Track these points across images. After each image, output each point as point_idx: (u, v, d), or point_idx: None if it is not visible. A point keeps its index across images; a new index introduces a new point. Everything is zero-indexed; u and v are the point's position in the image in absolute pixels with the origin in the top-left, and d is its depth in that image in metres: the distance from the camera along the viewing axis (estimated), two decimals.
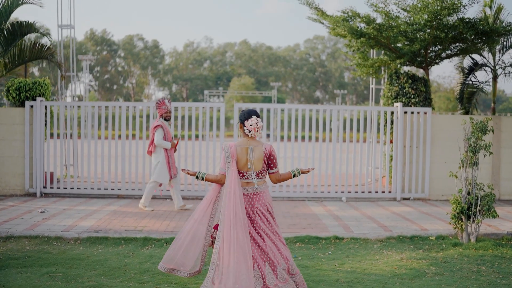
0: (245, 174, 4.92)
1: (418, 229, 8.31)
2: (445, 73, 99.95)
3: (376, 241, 7.76)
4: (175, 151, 9.84)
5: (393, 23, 11.53)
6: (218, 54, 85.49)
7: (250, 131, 4.90)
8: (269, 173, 5.03)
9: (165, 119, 9.73)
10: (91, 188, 11.51)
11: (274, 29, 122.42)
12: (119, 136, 16.94)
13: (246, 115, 4.95)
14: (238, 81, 68.61)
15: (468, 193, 7.62)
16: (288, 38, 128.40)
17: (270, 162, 4.97)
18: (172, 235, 7.82)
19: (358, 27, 11.93)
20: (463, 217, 7.59)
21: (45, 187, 11.42)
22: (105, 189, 11.52)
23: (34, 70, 61.04)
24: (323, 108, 11.68)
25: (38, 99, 11.24)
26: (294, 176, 5.08)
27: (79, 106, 11.79)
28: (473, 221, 7.55)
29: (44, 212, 9.38)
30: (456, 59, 13.99)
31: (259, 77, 79.07)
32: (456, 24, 11.10)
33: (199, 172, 5.04)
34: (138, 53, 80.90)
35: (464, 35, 11.48)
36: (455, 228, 7.74)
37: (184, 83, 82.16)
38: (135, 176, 11.44)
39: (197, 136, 15.44)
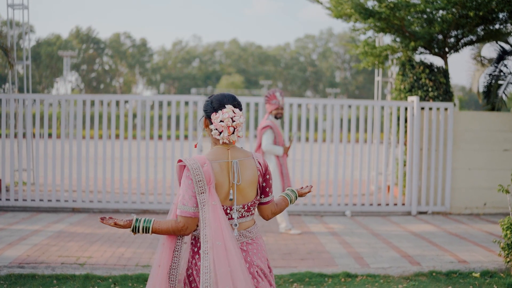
0: (228, 211, 2.81)
1: (454, 261, 6.28)
2: None
3: (400, 279, 5.73)
4: (286, 156, 7.64)
5: (409, 1, 9.47)
6: (207, 53, 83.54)
7: (220, 133, 2.77)
8: (261, 203, 2.95)
9: (275, 117, 7.54)
10: (40, 200, 9.38)
11: (264, 28, 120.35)
12: (83, 136, 14.44)
13: (216, 104, 2.80)
14: (227, 80, 66.70)
15: None
16: (278, 37, 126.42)
17: (266, 184, 2.91)
18: (125, 270, 5.75)
19: (366, 6, 9.86)
20: None
21: None
22: (57, 200, 9.40)
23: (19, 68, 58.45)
24: (323, 102, 9.60)
25: None
26: (290, 203, 3.13)
27: (50, 101, 9.60)
28: None
29: None
30: (469, 49, 12.05)
31: (249, 76, 77.24)
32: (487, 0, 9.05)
33: (137, 219, 2.75)
34: (125, 51, 78.84)
35: (496, 15, 9.49)
36: (508, 262, 5.74)
37: (172, 82, 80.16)
38: (93, 184, 9.33)
39: (169, 137, 13.26)
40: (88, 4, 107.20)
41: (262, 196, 2.92)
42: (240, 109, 2.85)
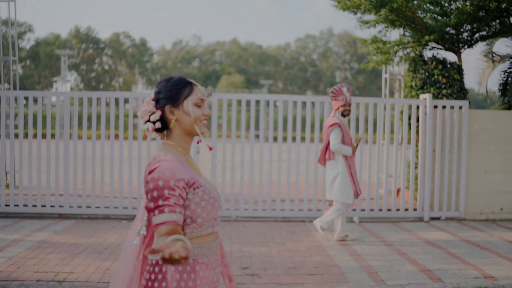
0: None
1: (479, 276, 5.60)
2: None
3: None
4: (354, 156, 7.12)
5: None
6: (208, 52, 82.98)
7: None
8: None
9: (342, 115, 6.96)
10: (24, 205, 8.70)
11: (264, 28, 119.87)
12: (69, 135, 13.37)
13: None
14: (227, 80, 66.16)
15: None
16: (278, 37, 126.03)
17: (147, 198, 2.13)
18: None
19: None
20: None
21: None
22: (42, 205, 8.73)
23: (20, 68, 57.79)
24: (329, 100, 8.92)
25: None
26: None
27: (43, 100, 8.92)
28: None
29: None
30: (482, 45, 11.38)
31: (249, 76, 76.71)
32: None
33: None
34: (125, 51, 78.31)
35: None
36: None
37: None
38: (82, 188, 8.67)
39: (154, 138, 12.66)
40: (88, 3, 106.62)
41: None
42: (154, 98, 2.34)
